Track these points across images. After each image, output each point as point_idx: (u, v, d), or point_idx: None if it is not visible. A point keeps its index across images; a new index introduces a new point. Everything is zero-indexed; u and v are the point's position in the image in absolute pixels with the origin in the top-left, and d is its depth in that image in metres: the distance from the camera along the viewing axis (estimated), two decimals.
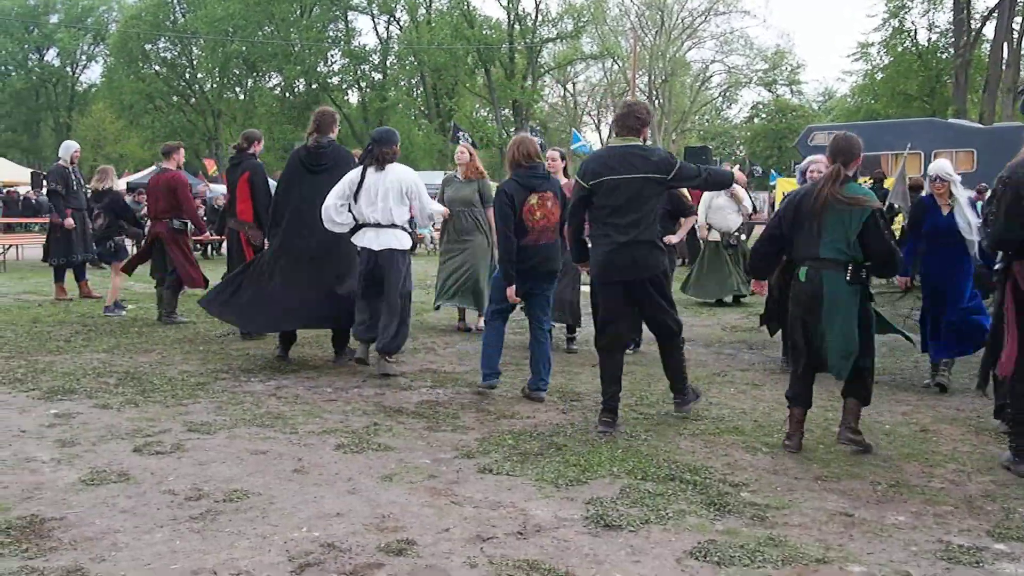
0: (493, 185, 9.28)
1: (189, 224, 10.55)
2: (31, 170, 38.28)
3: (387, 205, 7.27)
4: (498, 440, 5.52)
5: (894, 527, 4.20)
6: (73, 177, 12.30)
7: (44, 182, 21.98)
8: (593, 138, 58.58)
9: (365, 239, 7.36)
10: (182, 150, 10.94)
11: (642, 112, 6.00)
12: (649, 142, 6.10)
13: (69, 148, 12.62)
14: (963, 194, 7.26)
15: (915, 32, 45.60)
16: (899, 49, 45.77)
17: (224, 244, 9.71)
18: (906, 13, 44.96)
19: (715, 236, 12.51)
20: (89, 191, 12.46)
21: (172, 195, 10.26)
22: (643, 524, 4.13)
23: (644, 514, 4.25)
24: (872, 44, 47.29)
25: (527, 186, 6.56)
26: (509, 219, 6.49)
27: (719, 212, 12.40)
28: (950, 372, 7.37)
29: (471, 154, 9.78)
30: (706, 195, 12.46)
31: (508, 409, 6.39)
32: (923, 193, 7.80)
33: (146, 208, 11.94)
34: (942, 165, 7.32)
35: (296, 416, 6.05)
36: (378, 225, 7.30)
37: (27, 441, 5.36)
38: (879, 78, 47.56)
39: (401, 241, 7.37)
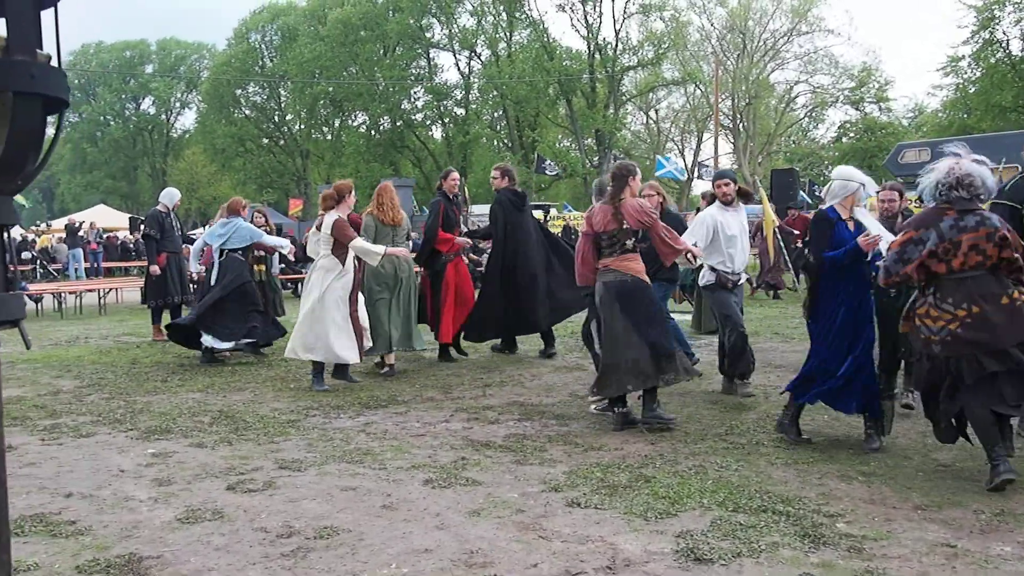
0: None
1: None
2: (129, 215, 39.81)
3: None
4: (586, 473, 5.47)
5: (1000, 558, 4.03)
6: (170, 221, 12.74)
7: (140, 226, 22.77)
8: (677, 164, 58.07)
9: None
10: None
11: None
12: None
13: (173, 196, 13.18)
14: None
15: (1007, 42, 44.28)
16: (991, 60, 44.43)
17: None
18: (997, 24, 43.70)
19: None
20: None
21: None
22: (735, 557, 4.04)
23: (736, 547, 4.16)
24: (963, 57, 45.96)
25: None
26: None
27: None
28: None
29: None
30: None
31: (596, 441, 6.34)
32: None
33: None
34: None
35: (385, 452, 6.10)
36: None
37: (126, 480, 5.52)
38: (971, 91, 46.17)
39: None
